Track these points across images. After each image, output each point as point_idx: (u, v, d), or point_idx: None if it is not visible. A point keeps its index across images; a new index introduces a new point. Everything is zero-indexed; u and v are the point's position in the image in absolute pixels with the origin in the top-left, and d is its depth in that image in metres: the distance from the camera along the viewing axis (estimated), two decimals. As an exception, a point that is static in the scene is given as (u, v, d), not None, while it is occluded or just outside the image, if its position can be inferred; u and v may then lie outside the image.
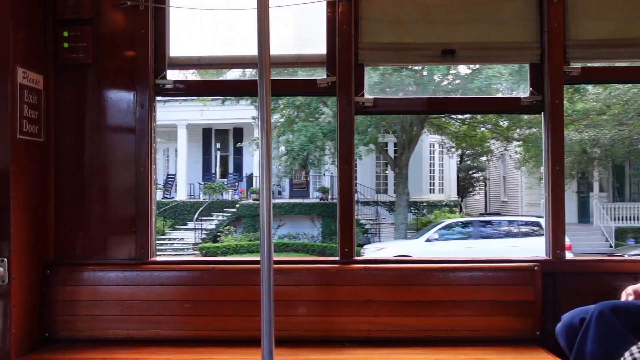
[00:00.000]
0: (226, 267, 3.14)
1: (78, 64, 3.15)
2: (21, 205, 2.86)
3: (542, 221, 15.41)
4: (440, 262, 3.15)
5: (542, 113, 3.20)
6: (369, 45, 3.20)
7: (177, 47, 3.32)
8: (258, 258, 1.94)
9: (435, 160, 25.88)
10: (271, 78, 2.00)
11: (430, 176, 25.78)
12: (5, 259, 2.75)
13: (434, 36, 3.21)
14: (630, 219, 21.02)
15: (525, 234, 15.27)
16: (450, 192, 26.76)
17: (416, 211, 22.85)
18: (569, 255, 3.22)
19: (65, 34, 3.12)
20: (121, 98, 3.21)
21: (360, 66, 3.22)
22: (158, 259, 3.22)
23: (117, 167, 3.20)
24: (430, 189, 25.71)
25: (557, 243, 3.11)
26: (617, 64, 3.45)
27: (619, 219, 21.00)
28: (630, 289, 2.73)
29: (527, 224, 15.76)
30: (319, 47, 3.25)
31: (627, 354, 2.33)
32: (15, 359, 2.78)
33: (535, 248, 13.77)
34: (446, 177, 26.76)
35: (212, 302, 3.09)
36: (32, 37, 3.00)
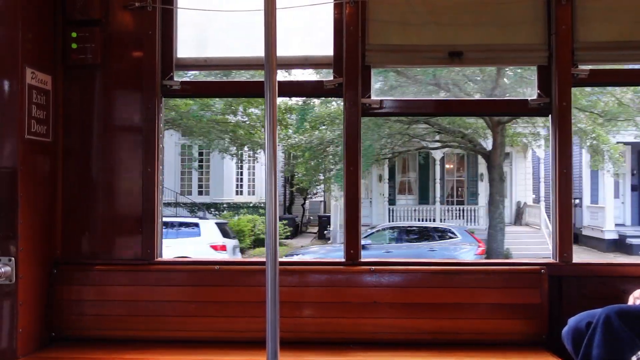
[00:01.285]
0: (232, 267, 3.15)
1: (86, 64, 3.17)
2: (29, 205, 2.88)
3: (202, 223, 15.20)
4: (446, 265, 3.14)
5: (550, 115, 3.19)
6: (376, 47, 3.20)
7: (184, 48, 3.33)
8: (264, 259, 1.94)
9: (244, 163, 25.37)
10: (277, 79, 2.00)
11: (238, 178, 25.48)
12: (13, 259, 2.77)
13: (441, 38, 3.20)
14: (430, 220, 21.34)
15: (190, 234, 15.46)
16: (262, 194, 25.99)
17: (217, 213, 22.86)
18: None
19: (74, 34, 3.14)
20: (128, 99, 3.23)
21: (367, 68, 3.22)
22: (164, 259, 3.23)
23: (124, 168, 3.21)
24: (238, 190, 25.42)
25: (563, 246, 3.10)
26: (626, 67, 3.43)
27: (421, 221, 21.30)
28: (637, 292, 2.71)
29: (187, 225, 15.95)
30: (326, 48, 3.25)
31: (634, 358, 2.32)
32: (22, 357, 2.80)
33: (193, 248, 13.91)
34: (258, 178, 26.32)
35: (218, 303, 3.09)
36: (41, 38, 3.02)
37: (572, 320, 2.63)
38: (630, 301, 2.71)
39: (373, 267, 3.08)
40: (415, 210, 21.99)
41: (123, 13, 3.22)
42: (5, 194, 2.79)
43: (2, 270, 2.72)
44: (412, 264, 3.16)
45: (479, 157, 20.65)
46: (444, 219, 21.36)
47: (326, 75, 3.28)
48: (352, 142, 3.19)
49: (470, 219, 21.96)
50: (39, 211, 3.01)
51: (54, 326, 3.07)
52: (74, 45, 3.14)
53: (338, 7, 3.21)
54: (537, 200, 23.18)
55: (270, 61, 1.92)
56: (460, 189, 23.50)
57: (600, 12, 3.16)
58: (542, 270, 3.02)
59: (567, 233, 3.11)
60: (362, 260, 3.15)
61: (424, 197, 23.02)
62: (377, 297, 3.04)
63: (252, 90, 3.87)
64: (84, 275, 3.13)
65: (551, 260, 3.14)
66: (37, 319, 2.97)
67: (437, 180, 22.11)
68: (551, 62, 3.17)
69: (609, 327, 2.40)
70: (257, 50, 3.18)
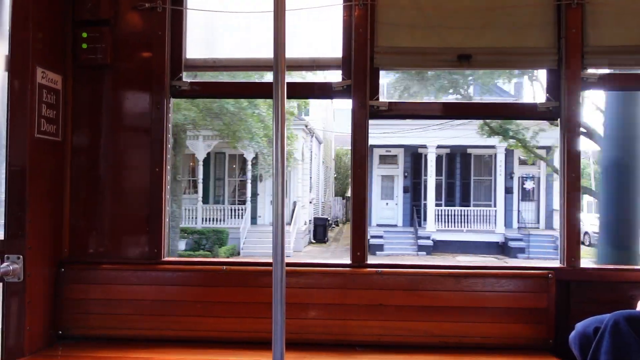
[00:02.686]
0: (239, 268, 3.15)
1: (96, 64, 3.19)
2: (37, 204, 2.90)
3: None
4: (453, 268, 3.13)
5: (559, 120, 3.17)
6: (384, 49, 3.20)
7: (193, 49, 3.34)
8: (270, 260, 1.94)
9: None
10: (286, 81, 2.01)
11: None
12: (21, 257, 2.78)
13: (450, 41, 3.19)
14: (215, 221, 22.74)
15: None
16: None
17: None
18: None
19: (84, 35, 3.16)
20: (137, 99, 3.24)
21: (375, 70, 3.22)
22: (171, 258, 3.24)
23: (132, 167, 3.23)
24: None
25: (571, 251, 3.08)
26: (637, 71, 3.40)
27: (205, 221, 22.63)
28: (646, 298, 2.70)
29: None
30: (334, 50, 3.25)
31: (642, 364, 2.30)
32: (29, 355, 2.81)
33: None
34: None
35: (224, 304, 3.10)
36: (52, 38, 3.04)
37: (579, 326, 2.61)
38: (639, 307, 2.69)
39: (380, 270, 3.08)
40: (198, 209, 22.72)
41: (133, 13, 3.23)
42: (15, 193, 2.81)
43: (11, 267, 2.74)
44: (419, 266, 3.15)
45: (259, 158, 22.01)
46: (222, 219, 22.60)
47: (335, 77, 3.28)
48: (360, 144, 3.18)
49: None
50: (48, 210, 3.03)
51: (60, 325, 3.09)
52: (84, 45, 3.16)
53: (347, 9, 3.22)
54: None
55: (279, 62, 1.92)
56: (242, 189, 24.46)
57: (610, 16, 3.14)
58: (550, 275, 3.00)
59: (575, 237, 3.09)
60: (369, 262, 3.15)
61: (206, 197, 23.96)
62: (383, 299, 3.04)
63: (260, 91, 3.88)
64: (90, 274, 3.15)
65: (559, 265, 3.12)
66: (44, 317, 2.98)
67: (216, 180, 23.36)
68: (560, 66, 3.15)
69: (617, 332, 2.38)
70: (266, 51, 3.19)
